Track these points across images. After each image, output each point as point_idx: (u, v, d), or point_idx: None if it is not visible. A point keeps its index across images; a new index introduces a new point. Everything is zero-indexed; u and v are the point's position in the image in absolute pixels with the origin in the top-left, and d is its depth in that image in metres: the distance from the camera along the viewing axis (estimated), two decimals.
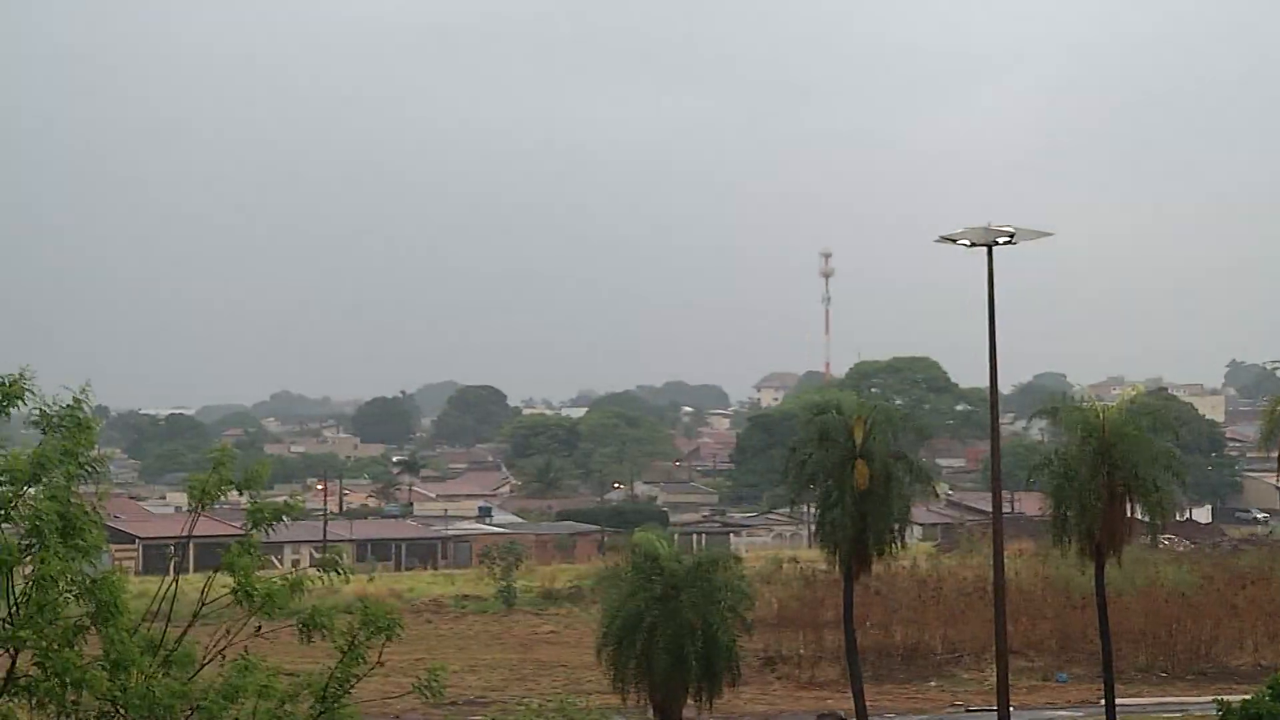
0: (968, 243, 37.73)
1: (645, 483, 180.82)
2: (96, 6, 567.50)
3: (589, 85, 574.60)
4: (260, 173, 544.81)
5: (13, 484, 14.29)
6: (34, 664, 14.10)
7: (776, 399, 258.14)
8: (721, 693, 41.32)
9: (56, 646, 13.96)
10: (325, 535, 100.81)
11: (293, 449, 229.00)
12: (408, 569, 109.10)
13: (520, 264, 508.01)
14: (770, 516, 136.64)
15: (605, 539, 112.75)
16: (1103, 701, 47.10)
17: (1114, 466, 44.32)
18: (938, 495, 74.88)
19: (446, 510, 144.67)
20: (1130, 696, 55.73)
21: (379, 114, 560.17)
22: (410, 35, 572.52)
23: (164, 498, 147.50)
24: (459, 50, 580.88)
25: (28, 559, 13.96)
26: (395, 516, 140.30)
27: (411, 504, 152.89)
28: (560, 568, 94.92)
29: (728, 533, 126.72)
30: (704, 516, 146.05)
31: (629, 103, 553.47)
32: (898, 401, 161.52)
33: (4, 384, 14.58)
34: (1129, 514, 45.69)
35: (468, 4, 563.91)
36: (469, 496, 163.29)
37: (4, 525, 14.22)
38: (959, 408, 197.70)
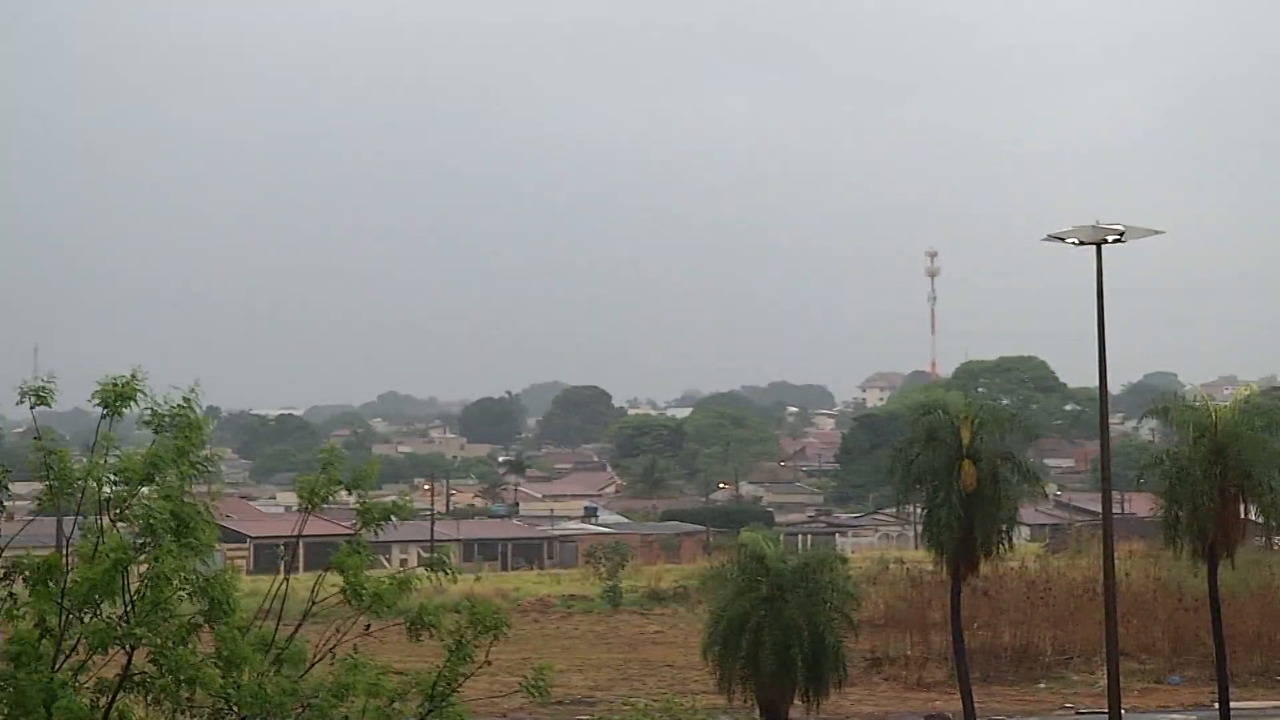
0: (1076, 241, 37.32)
1: (750, 483, 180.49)
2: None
3: (679, 84, 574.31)
4: (361, 178, 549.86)
5: (127, 484, 14.50)
6: (149, 661, 14.30)
7: (882, 399, 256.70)
8: (828, 693, 41.22)
9: (171, 644, 14.14)
10: (433, 535, 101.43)
11: (400, 449, 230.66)
12: (514, 569, 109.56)
13: (625, 264, 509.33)
14: (876, 517, 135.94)
15: (710, 539, 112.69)
16: (1216, 705, 46.42)
17: (1227, 467, 43.67)
18: (1046, 496, 74.19)
19: (552, 510, 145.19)
20: (1244, 700, 54.86)
21: (469, 115, 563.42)
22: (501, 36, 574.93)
23: (274, 497, 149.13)
24: (565, 52, 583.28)
25: (142, 558, 14.16)
26: (501, 516, 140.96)
27: (517, 504, 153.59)
28: (665, 568, 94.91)
29: (833, 533, 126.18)
30: (809, 517, 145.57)
31: (724, 103, 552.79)
32: (1005, 401, 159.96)
33: (116, 384, 14.78)
34: (1242, 515, 45.03)
35: (559, 5, 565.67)
36: (574, 496, 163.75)
37: (119, 524, 14.44)
38: (1067, 407, 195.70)
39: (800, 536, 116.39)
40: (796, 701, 40.76)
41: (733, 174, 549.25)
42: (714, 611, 42.20)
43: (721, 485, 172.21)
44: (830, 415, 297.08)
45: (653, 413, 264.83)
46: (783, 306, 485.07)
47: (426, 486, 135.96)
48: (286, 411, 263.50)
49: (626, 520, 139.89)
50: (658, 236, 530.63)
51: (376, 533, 16.14)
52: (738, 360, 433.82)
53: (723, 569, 44.45)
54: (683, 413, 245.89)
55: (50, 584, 14.36)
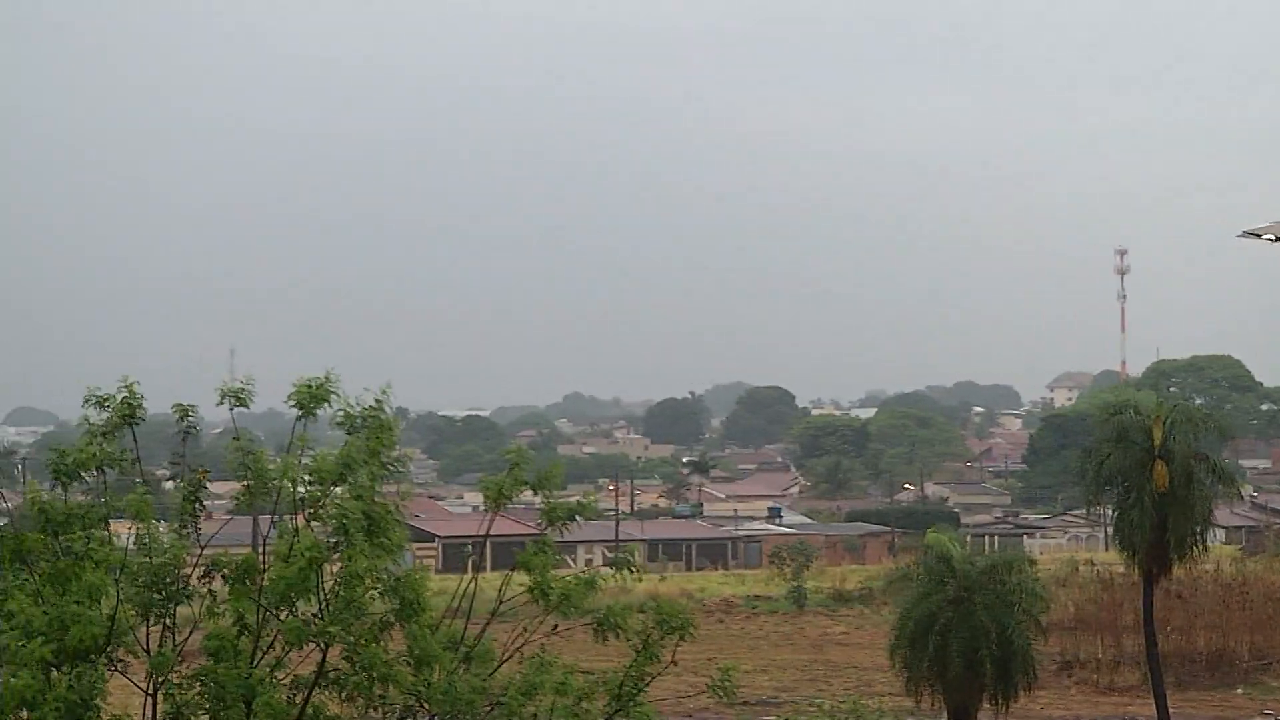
0: (1273, 238, 36.42)
1: (936, 483, 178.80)
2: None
3: (864, 84, 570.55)
4: (544, 182, 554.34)
5: (320, 484, 14.78)
6: (343, 658, 14.56)
7: (1070, 399, 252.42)
8: (1017, 696, 40.67)
9: (363, 642, 14.40)
10: (617, 535, 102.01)
11: (584, 449, 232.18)
12: (698, 569, 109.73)
13: (808, 265, 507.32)
14: (1065, 518, 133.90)
15: (895, 540, 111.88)
16: None
17: None
18: (1241, 497, 72.39)
19: (736, 511, 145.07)
20: None
21: (656, 120, 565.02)
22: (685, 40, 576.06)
23: (461, 497, 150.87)
24: (736, 53, 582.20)
25: (335, 557, 14.43)
26: (686, 517, 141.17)
27: (701, 504, 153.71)
28: (850, 568, 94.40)
29: (1021, 534, 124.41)
30: (996, 518, 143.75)
31: (909, 100, 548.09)
32: (1198, 401, 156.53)
33: (310, 386, 15.08)
34: None
35: (748, 8, 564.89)
36: (758, 497, 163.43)
37: (313, 524, 14.72)
38: (1264, 407, 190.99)
39: (987, 538, 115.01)
40: (985, 704, 40.27)
41: (916, 173, 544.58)
42: (900, 613, 41.86)
43: (906, 486, 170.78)
44: (1017, 416, 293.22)
45: (836, 413, 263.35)
46: (968, 306, 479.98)
47: (611, 487, 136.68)
48: (473, 412, 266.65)
49: (810, 521, 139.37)
50: (841, 236, 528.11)
51: (562, 532, 16.25)
52: (922, 360, 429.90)
53: (908, 570, 44.07)
54: (867, 413, 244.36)
55: (248, 582, 14.69)
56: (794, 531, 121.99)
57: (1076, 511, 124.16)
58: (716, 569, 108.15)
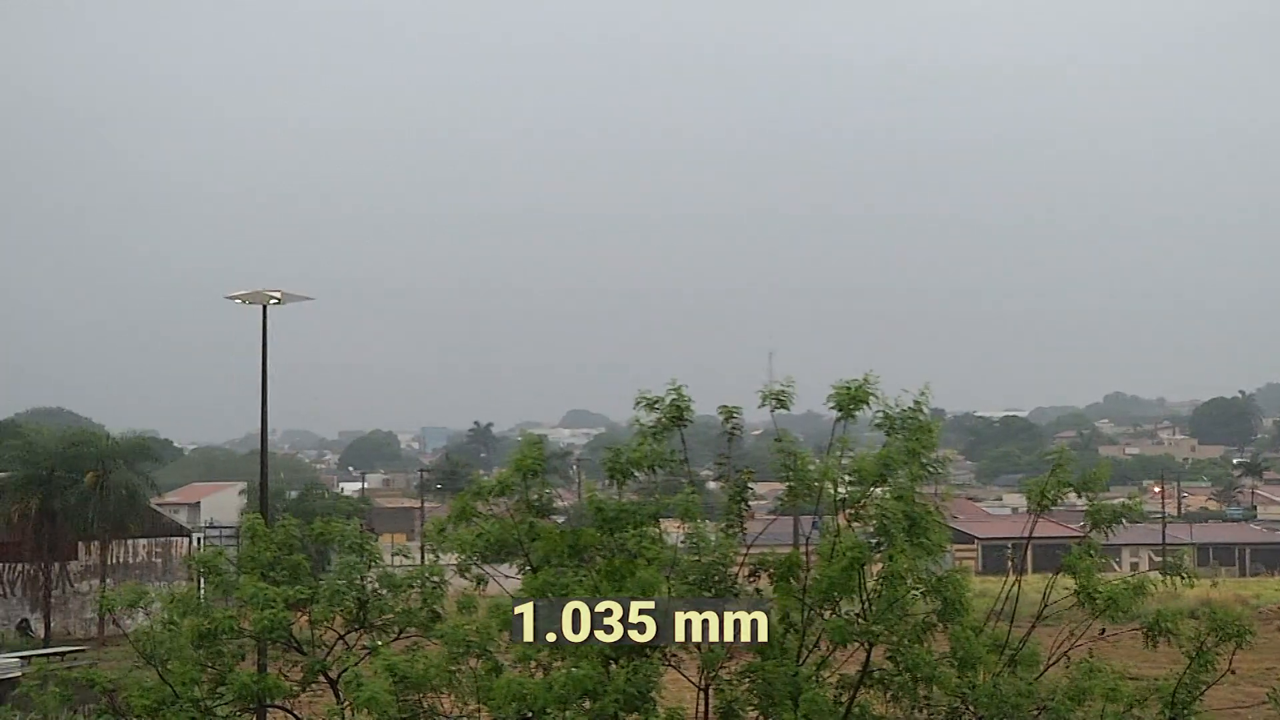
0: None
1: None
2: None
3: None
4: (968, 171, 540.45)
5: (861, 484, 14.91)
6: (886, 658, 14.64)
7: None
8: None
9: (907, 642, 14.43)
10: (1164, 538, 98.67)
11: (1127, 450, 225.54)
12: (1253, 575, 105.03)
13: None
14: None
15: None
16: None
17: None
18: None
19: None
20: None
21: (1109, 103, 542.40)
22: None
23: (1000, 499, 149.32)
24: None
25: (877, 556, 14.52)
26: (1238, 520, 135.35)
27: (1255, 507, 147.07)
28: None
29: None
30: None
31: None
32: None
33: (849, 388, 15.23)
34: None
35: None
36: None
37: (854, 524, 14.86)
38: None
39: None
40: None
41: None
42: None
43: None
44: None
45: None
46: None
47: (1156, 489, 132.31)
48: (1010, 413, 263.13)
49: None
50: None
51: (1107, 535, 15.88)
52: None
53: None
54: None
55: (792, 581, 14.95)
56: None
57: None
58: (1273, 575, 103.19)
